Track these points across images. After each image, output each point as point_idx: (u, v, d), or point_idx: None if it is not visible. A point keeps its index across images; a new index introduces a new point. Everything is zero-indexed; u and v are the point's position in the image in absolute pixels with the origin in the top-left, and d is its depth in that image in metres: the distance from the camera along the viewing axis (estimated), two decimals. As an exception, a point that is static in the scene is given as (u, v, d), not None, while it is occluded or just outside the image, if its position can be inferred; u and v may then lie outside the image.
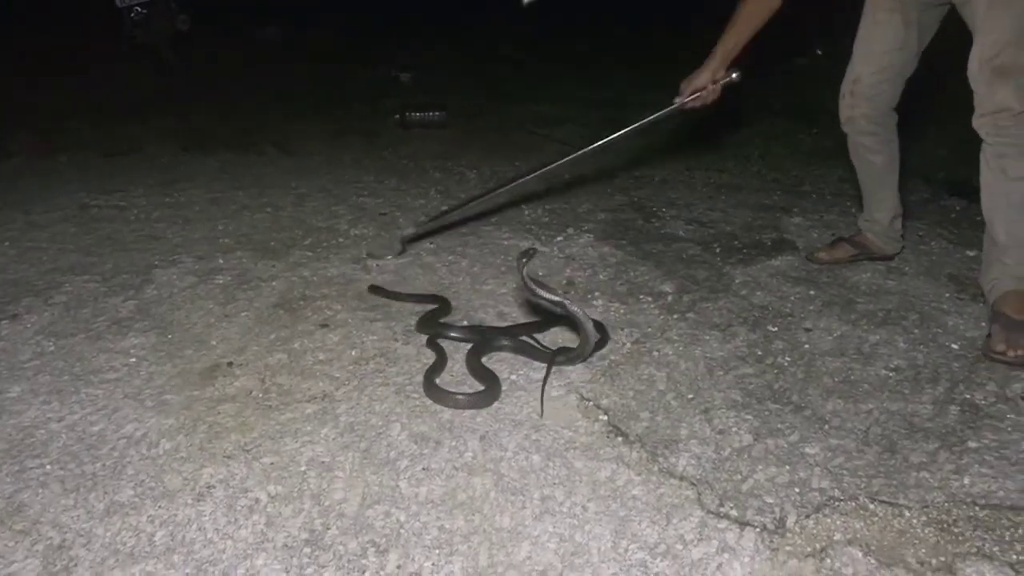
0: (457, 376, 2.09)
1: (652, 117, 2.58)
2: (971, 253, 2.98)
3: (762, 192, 3.98)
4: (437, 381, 2.00)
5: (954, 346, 2.22)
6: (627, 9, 9.07)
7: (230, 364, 2.12)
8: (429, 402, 1.93)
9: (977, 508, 1.55)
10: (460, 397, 1.92)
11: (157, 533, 1.50)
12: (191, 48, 6.91)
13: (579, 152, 2.75)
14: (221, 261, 2.85)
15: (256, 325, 2.35)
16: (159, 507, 1.56)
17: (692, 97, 2.49)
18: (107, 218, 3.37)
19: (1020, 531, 1.48)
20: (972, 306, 2.48)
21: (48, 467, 1.69)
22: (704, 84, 2.46)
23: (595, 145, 2.69)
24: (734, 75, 2.45)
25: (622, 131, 2.63)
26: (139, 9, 6.17)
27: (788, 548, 1.45)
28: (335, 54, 7.77)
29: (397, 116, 5.49)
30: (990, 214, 2.29)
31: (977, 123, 2.23)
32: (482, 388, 1.97)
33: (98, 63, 6.93)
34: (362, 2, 9.66)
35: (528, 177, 2.90)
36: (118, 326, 2.34)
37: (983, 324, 2.34)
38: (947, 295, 2.58)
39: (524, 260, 1.98)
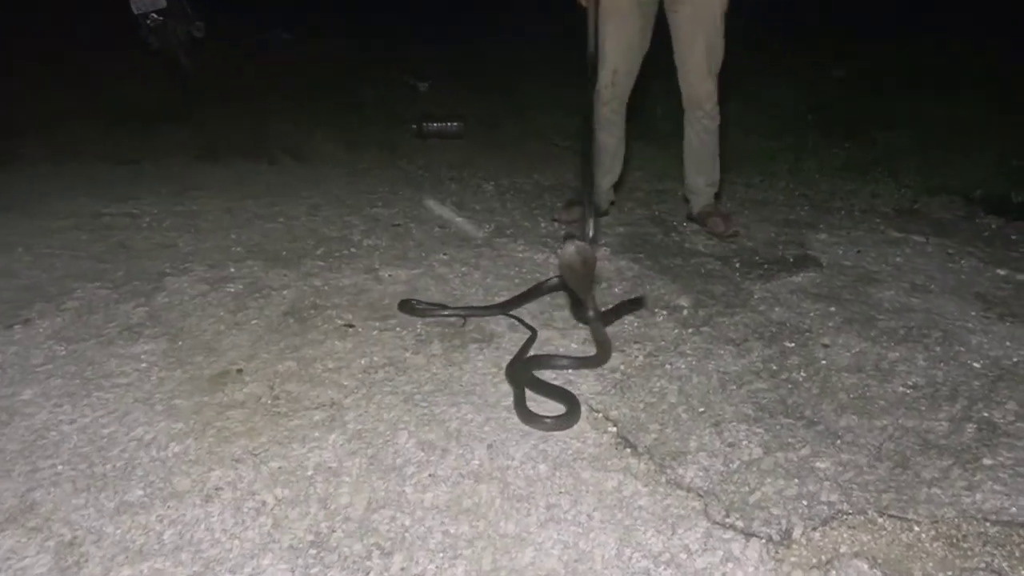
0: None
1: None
2: (1002, 272, 3.04)
3: (788, 207, 4.07)
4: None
5: (976, 365, 2.28)
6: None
7: (240, 371, 2.23)
8: (437, 411, 2.03)
9: (988, 524, 1.61)
10: (548, 420, 1.98)
11: (166, 532, 1.60)
12: (204, 54, 7.11)
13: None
14: (232, 270, 2.97)
15: (266, 333, 2.46)
16: (168, 507, 1.67)
17: None
18: (119, 226, 3.51)
19: (1030, 548, 1.55)
20: (999, 325, 2.54)
21: (60, 467, 1.80)
22: None
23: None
24: None
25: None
26: (155, 16, 6.36)
27: (793, 559, 1.53)
28: (350, 61, 7.96)
29: (414, 126, 5.62)
30: (697, 164, 3.49)
31: (701, 105, 3.31)
32: (564, 409, 2.03)
33: (110, 70, 7.15)
34: (378, 8, 9.87)
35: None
36: (129, 332, 2.46)
37: (1008, 344, 2.41)
38: (973, 313, 2.64)
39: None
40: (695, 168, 3.53)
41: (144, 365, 2.26)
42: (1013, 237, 3.63)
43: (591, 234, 2.62)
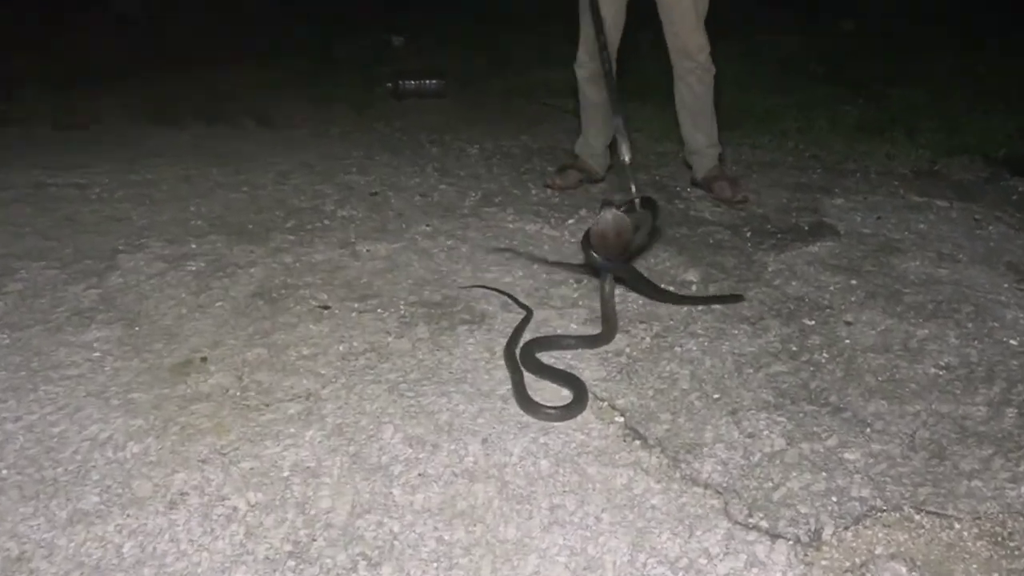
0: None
1: None
2: (1034, 239, 3.01)
3: (799, 170, 4.03)
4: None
5: (1012, 342, 2.26)
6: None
7: (204, 359, 2.17)
8: (425, 402, 1.97)
9: (1035, 520, 1.58)
10: (551, 410, 1.94)
11: (125, 544, 1.54)
12: (157, 3, 6.96)
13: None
14: (193, 246, 2.90)
15: (232, 317, 2.40)
16: (127, 516, 1.60)
17: None
18: (66, 198, 3.42)
19: (1083, 546, 1.51)
20: (1033, 298, 2.51)
21: (4, 472, 1.73)
22: None
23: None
24: None
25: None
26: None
27: (824, 562, 1.49)
28: (320, 14, 7.83)
29: (389, 84, 5.55)
30: (693, 121, 3.44)
31: (693, 57, 3.25)
32: (571, 397, 1.99)
33: (53, 24, 6.98)
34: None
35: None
36: (80, 317, 2.38)
37: (1046, 317, 2.38)
38: (1006, 285, 2.62)
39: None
40: (692, 125, 3.47)
41: (97, 354, 2.20)
42: (1042, 201, 3.60)
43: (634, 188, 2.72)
